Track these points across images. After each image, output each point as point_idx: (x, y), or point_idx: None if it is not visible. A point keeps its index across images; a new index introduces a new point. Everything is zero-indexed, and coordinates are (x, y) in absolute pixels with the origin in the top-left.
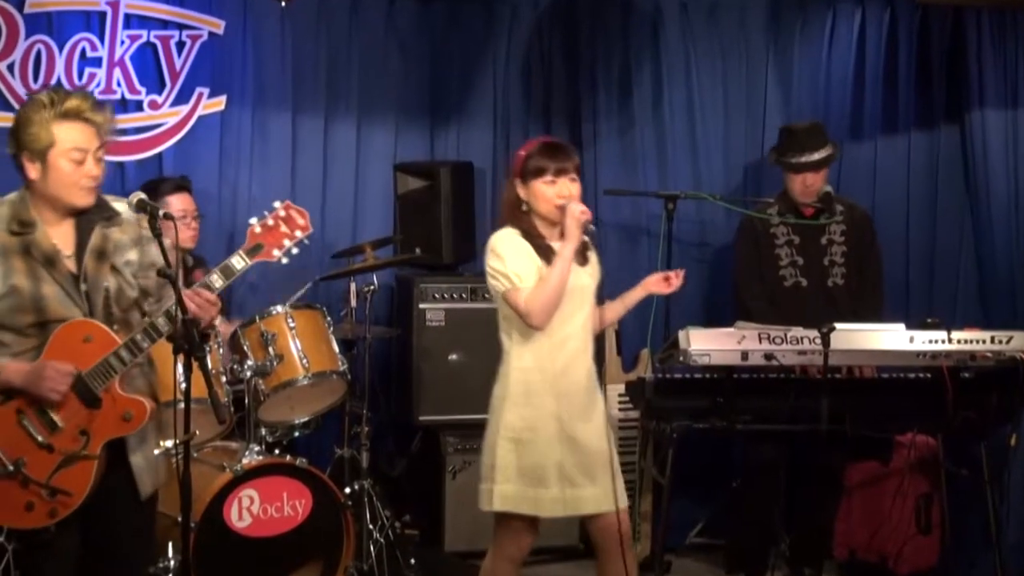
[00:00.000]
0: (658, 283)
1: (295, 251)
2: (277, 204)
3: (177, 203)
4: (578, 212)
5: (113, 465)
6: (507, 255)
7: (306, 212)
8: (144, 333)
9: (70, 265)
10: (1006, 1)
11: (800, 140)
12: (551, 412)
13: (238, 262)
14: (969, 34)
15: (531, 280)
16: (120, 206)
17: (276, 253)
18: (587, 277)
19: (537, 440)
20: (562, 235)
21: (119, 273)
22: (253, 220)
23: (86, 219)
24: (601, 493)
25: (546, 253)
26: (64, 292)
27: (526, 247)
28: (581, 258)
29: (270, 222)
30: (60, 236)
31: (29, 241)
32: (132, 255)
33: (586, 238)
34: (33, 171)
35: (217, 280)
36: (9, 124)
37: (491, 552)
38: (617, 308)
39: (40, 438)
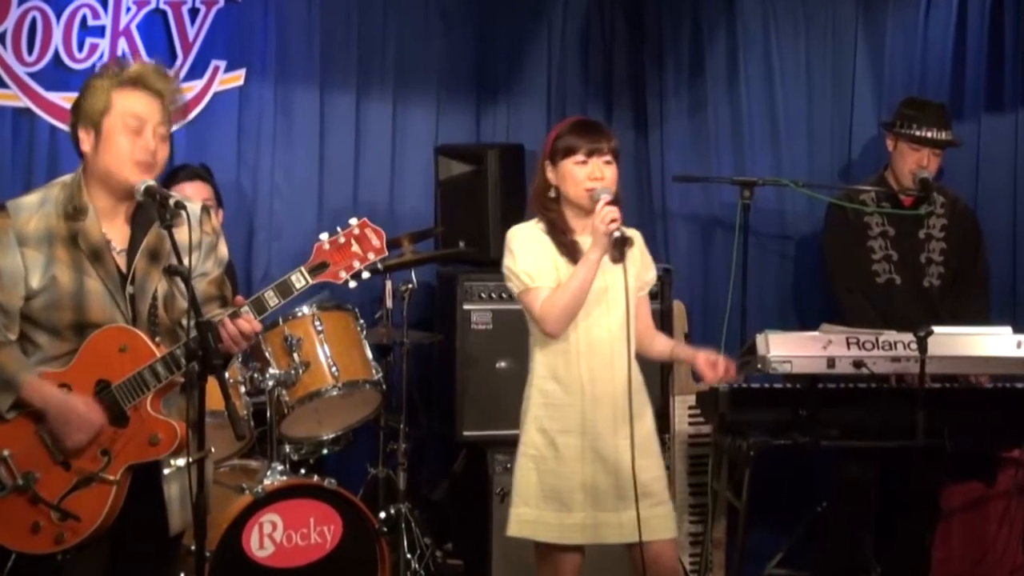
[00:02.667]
0: (706, 364)
1: (365, 275)
2: (353, 221)
3: (191, 192)
4: (606, 217)
5: (144, 495)
6: (518, 251)
7: (383, 233)
8: (184, 348)
9: (119, 262)
10: None
11: (932, 114)
12: (575, 428)
13: (298, 280)
14: None
15: (547, 279)
16: (191, 205)
17: (343, 275)
18: (623, 277)
19: (560, 459)
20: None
21: (171, 279)
22: (323, 236)
23: (144, 214)
24: (630, 521)
25: (572, 250)
26: (108, 292)
27: (543, 241)
28: (616, 253)
29: (341, 240)
30: (113, 229)
31: (77, 229)
32: (193, 259)
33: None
34: (87, 142)
35: (272, 298)
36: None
37: None
38: (663, 349)
39: (57, 452)
